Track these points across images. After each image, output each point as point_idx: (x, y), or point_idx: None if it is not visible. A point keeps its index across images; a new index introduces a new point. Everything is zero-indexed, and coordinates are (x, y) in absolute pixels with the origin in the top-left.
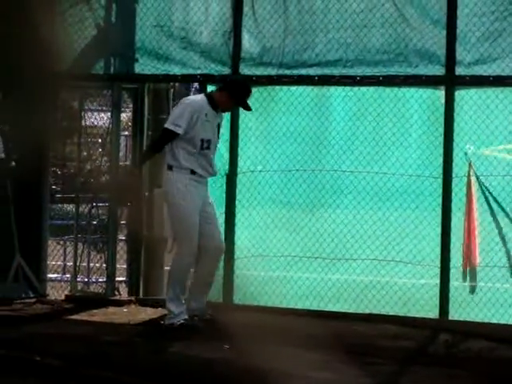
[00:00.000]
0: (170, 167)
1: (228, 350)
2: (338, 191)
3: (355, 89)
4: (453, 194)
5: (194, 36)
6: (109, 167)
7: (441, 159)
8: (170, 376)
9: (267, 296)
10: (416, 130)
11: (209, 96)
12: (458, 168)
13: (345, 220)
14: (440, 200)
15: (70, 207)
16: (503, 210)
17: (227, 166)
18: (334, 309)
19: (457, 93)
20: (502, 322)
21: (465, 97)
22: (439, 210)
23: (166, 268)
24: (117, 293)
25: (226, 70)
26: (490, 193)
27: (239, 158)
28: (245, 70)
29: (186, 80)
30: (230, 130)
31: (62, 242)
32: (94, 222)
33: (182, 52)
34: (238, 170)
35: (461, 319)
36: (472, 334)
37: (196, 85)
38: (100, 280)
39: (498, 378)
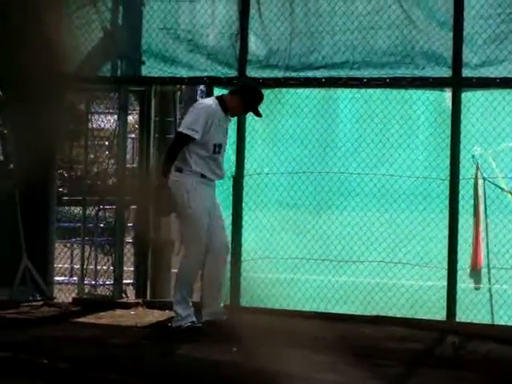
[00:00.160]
0: (180, 169)
1: (235, 353)
2: (344, 193)
3: (362, 91)
4: (460, 196)
5: (201, 38)
6: (116, 170)
7: (448, 161)
8: (177, 378)
9: (274, 298)
10: (423, 131)
11: (220, 99)
12: (465, 170)
13: (352, 222)
14: (447, 202)
15: (77, 210)
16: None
17: (234, 169)
18: (341, 311)
19: (463, 95)
20: (510, 323)
21: (471, 99)
22: (446, 212)
23: (173, 270)
24: (124, 295)
25: (233, 73)
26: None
27: (246, 161)
28: (251, 72)
29: (193, 82)
30: (237, 133)
31: (69, 245)
32: (101, 225)
33: (189, 54)
34: (245, 172)
35: (468, 321)
36: (479, 336)
37: (202, 87)
38: (107, 282)
39: (505, 380)
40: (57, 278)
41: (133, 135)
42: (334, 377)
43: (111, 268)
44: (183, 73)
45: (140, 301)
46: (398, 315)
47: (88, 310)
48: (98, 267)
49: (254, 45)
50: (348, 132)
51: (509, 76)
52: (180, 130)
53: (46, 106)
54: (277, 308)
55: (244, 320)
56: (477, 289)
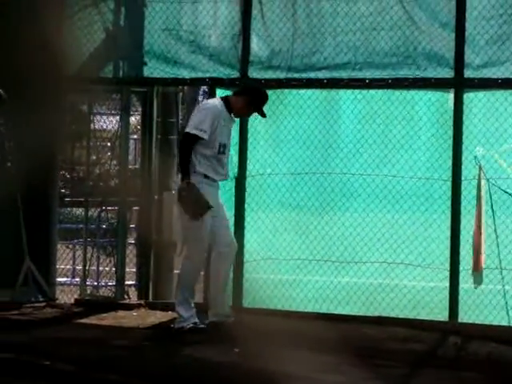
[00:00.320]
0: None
1: (238, 354)
2: (347, 194)
3: (364, 92)
4: (462, 197)
5: (203, 39)
6: (118, 171)
7: (450, 162)
8: (179, 380)
9: (277, 299)
10: (425, 132)
11: (225, 100)
12: (468, 171)
13: (354, 223)
14: (449, 203)
15: (80, 211)
16: None
17: (236, 169)
18: (344, 312)
19: (465, 95)
20: None
21: (474, 99)
22: (448, 213)
23: (175, 271)
24: (126, 296)
25: (235, 74)
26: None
27: (248, 162)
28: (254, 73)
29: (195, 83)
30: (240, 134)
31: (71, 246)
32: (104, 226)
33: (191, 55)
34: (247, 173)
35: (470, 322)
36: (482, 337)
37: (204, 88)
38: (109, 284)
39: (507, 381)
40: (59, 279)
41: (135, 136)
42: (336, 377)
43: (113, 269)
44: (185, 74)
45: (142, 302)
46: (401, 316)
47: (90, 311)
48: (100, 268)
49: (256, 46)
50: (350, 133)
51: (511, 77)
52: (188, 130)
53: (45, 107)
54: (279, 309)
55: (246, 321)
56: (476, 288)
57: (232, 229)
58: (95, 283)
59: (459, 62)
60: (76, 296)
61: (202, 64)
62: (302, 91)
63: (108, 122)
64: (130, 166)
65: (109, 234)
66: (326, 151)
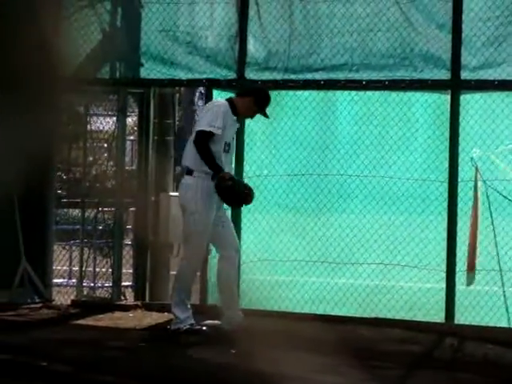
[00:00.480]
0: (191, 172)
1: (234, 355)
2: (343, 195)
3: (361, 93)
4: (458, 198)
5: (200, 41)
6: (114, 172)
7: (446, 163)
8: (176, 381)
9: (273, 300)
10: (422, 134)
11: (229, 101)
12: (464, 172)
13: (351, 224)
14: (446, 204)
15: (76, 212)
16: (510, 213)
17: (233, 171)
18: (340, 313)
19: (462, 97)
20: (508, 325)
21: (470, 101)
22: (445, 214)
23: (171, 273)
24: (123, 298)
25: (232, 75)
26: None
27: (245, 163)
28: (250, 74)
29: (192, 84)
30: (236, 135)
31: (67, 247)
32: (100, 227)
33: (188, 56)
34: (244, 174)
35: (467, 323)
36: (478, 338)
37: (201, 89)
38: (106, 285)
39: (504, 382)
40: (55, 280)
41: (132, 137)
42: (332, 379)
43: (110, 270)
44: (182, 75)
45: (139, 303)
46: (397, 317)
47: (87, 312)
48: (97, 269)
49: (253, 47)
50: (347, 134)
51: (507, 78)
52: (202, 128)
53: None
54: (276, 310)
55: (243, 322)
56: (468, 287)
57: None
58: (92, 284)
59: (456, 64)
60: (72, 297)
61: (199, 65)
62: (299, 92)
63: (105, 123)
64: (127, 167)
65: (105, 235)
66: (322, 152)
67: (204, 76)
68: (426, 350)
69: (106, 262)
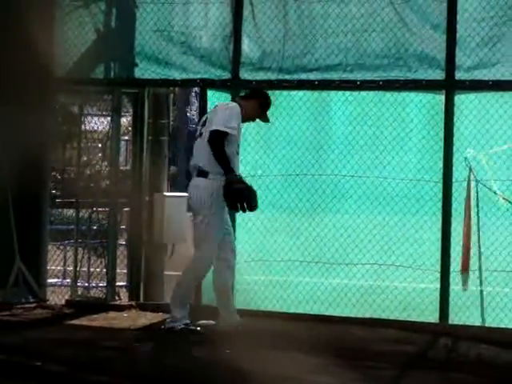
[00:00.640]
0: (205, 174)
1: (229, 355)
2: (338, 196)
3: (355, 93)
4: (453, 199)
5: (194, 41)
6: (109, 172)
7: (441, 164)
8: (170, 381)
9: (267, 300)
10: (416, 134)
11: (238, 104)
12: (458, 173)
13: (345, 224)
14: (440, 204)
15: (70, 212)
16: (503, 214)
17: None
18: (335, 313)
19: (457, 97)
20: (502, 326)
21: (465, 101)
22: (439, 215)
23: (166, 273)
24: (117, 298)
25: (226, 75)
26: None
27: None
28: (245, 74)
29: (186, 85)
30: None
31: (62, 247)
32: (94, 227)
33: (182, 57)
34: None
35: (461, 323)
36: (472, 338)
37: (197, 89)
38: (100, 285)
39: (498, 382)
40: (50, 280)
41: (126, 137)
42: (326, 379)
43: (104, 270)
44: (176, 75)
45: (133, 303)
46: (391, 317)
47: (81, 312)
48: (91, 269)
49: (248, 47)
50: (341, 134)
51: (501, 79)
52: (217, 128)
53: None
54: (270, 310)
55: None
56: (465, 290)
57: None
58: (86, 284)
59: (450, 64)
60: (67, 297)
61: (193, 65)
62: (293, 92)
63: (99, 123)
64: (121, 168)
65: (100, 235)
66: (317, 153)
67: (198, 76)
68: (420, 350)
69: (101, 262)
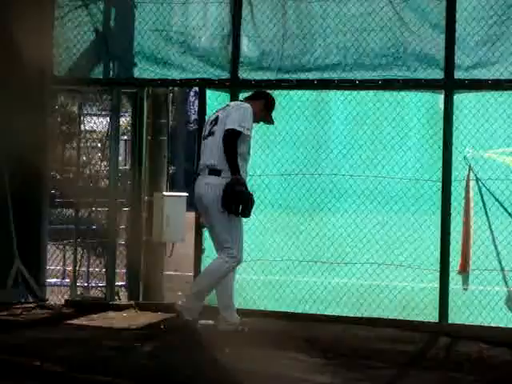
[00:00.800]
0: (218, 172)
1: (228, 354)
2: (337, 195)
3: (354, 93)
4: (452, 198)
5: (193, 40)
6: (108, 172)
7: (440, 163)
8: (169, 380)
9: (267, 300)
10: (415, 133)
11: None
12: (458, 172)
13: (344, 224)
14: (439, 204)
15: (70, 211)
16: (503, 213)
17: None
18: (334, 313)
19: (456, 96)
20: (502, 325)
21: (464, 100)
22: (438, 214)
23: (165, 272)
24: (116, 297)
25: (225, 75)
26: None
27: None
28: (244, 74)
29: (185, 84)
30: None
31: (61, 247)
32: (94, 227)
33: (181, 56)
34: None
35: (460, 323)
36: (472, 338)
37: (196, 89)
38: (100, 285)
39: (497, 381)
40: (49, 280)
41: (125, 137)
42: (325, 379)
43: (103, 270)
44: (175, 75)
45: (132, 303)
46: (391, 317)
47: (80, 312)
48: (91, 269)
49: (247, 47)
50: (340, 134)
51: (501, 78)
52: (232, 127)
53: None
54: (269, 310)
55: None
56: (465, 290)
57: None
58: (85, 284)
59: (449, 63)
60: (66, 297)
61: (192, 65)
62: (292, 92)
63: (98, 123)
64: (120, 167)
65: (99, 234)
66: (316, 152)
67: (197, 76)
68: (419, 349)
69: (100, 262)
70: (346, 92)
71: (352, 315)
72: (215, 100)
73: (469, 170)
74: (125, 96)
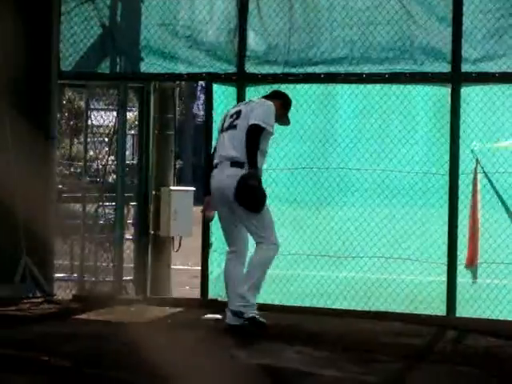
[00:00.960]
0: (241, 164)
1: (236, 349)
2: (344, 189)
3: (361, 86)
4: (459, 191)
5: (200, 34)
6: (115, 166)
7: (447, 156)
8: (178, 376)
9: (274, 294)
10: (422, 127)
11: None
12: (465, 165)
13: (351, 218)
14: (447, 197)
15: (77, 206)
16: (511, 206)
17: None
18: (341, 306)
19: (463, 90)
20: (510, 318)
21: (471, 94)
22: (446, 207)
23: (172, 267)
24: (124, 292)
25: (232, 69)
26: (495, 190)
27: None
28: (250, 68)
29: (192, 78)
30: None
31: (69, 242)
32: (101, 222)
33: (188, 50)
34: None
35: (468, 316)
36: (479, 331)
37: (203, 83)
38: (107, 279)
39: (505, 375)
40: (57, 275)
41: (132, 132)
42: (332, 372)
43: (111, 265)
44: (182, 69)
45: (140, 297)
46: (398, 310)
47: (88, 306)
48: (98, 264)
49: (253, 41)
50: (347, 127)
51: (508, 71)
52: (256, 122)
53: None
54: (277, 304)
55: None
56: (474, 283)
57: None
58: (93, 279)
59: (456, 56)
60: (74, 291)
61: (199, 59)
62: (299, 86)
63: (105, 118)
64: (128, 162)
65: (106, 229)
66: (323, 146)
67: (204, 70)
68: (427, 343)
69: (107, 257)
70: (353, 86)
71: (359, 309)
72: (222, 94)
73: (476, 163)
74: (132, 90)
